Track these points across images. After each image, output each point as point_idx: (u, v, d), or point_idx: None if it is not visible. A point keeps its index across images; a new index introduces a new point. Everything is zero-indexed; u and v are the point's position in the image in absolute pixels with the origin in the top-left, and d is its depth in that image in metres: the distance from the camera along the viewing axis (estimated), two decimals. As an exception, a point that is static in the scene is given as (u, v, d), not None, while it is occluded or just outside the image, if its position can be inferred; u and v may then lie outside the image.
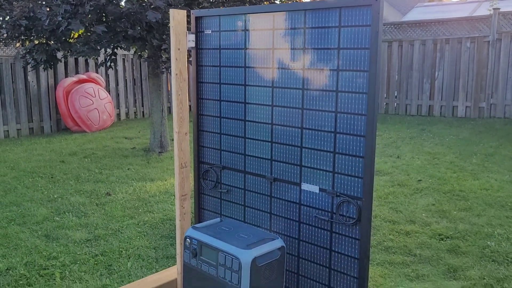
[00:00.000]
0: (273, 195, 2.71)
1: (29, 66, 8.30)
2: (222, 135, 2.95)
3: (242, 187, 2.87)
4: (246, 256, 2.13)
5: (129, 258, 3.88)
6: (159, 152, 7.66)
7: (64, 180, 6.11)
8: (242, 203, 2.88)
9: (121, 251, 4.00)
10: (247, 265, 2.12)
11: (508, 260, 3.74)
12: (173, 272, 3.25)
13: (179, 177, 3.04)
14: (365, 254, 2.34)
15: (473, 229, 4.33)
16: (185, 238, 2.37)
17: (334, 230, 2.46)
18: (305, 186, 2.55)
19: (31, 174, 6.34)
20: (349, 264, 2.41)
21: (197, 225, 2.43)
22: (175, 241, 4.23)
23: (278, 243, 2.28)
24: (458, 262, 3.73)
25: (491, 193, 5.29)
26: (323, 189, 2.48)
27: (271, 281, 2.24)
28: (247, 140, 2.81)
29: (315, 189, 2.51)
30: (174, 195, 5.56)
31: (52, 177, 6.21)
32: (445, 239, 4.17)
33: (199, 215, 3.17)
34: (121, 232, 4.42)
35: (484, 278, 3.47)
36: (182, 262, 3.15)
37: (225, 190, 2.96)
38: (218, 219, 2.54)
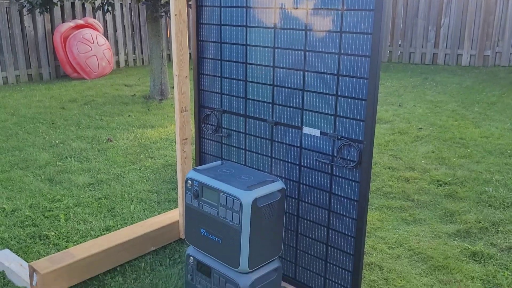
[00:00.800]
0: (274, 139, 2.71)
1: (24, 10, 8.09)
2: (222, 79, 2.91)
3: (243, 131, 2.86)
4: (247, 197, 2.15)
5: (132, 201, 3.95)
6: (160, 100, 7.61)
7: (65, 126, 6.11)
8: (243, 147, 2.89)
9: (124, 195, 4.06)
10: (248, 206, 2.15)
11: (504, 205, 3.80)
12: (175, 215, 3.31)
13: (179, 121, 3.03)
14: (364, 196, 2.37)
15: (471, 176, 4.38)
16: (187, 180, 2.40)
17: (334, 173, 2.48)
18: (306, 130, 2.55)
19: (31, 120, 6.34)
20: (348, 206, 2.45)
21: (199, 168, 2.45)
22: (177, 185, 4.29)
23: (278, 185, 2.30)
24: (455, 207, 3.79)
25: (491, 141, 5.31)
26: (324, 132, 2.47)
27: (271, 222, 2.28)
28: (248, 83, 2.77)
29: (316, 132, 2.51)
30: (175, 142, 5.58)
31: (53, 123, 6.21)
32: (443, 185, 4.22)
33: (200, 159, 3.19)
34: (123, 177, 4.47)
35: (480, 222, 3.54)
36: (184, 203, 3.20)
37: (226, 134, 2.96)
38: (219, 162, 2.55)
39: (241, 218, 2.17)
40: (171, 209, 3.80)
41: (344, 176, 2.44)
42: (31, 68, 9.22)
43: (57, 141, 5.48)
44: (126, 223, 3.56)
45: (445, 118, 6.27)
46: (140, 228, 3.10)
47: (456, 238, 3.35)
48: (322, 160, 2.49)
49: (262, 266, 2.33)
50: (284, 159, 2.69)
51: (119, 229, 3.45)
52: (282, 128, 2.66)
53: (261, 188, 2.23)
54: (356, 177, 2.40)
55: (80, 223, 3.56)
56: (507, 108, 6.73)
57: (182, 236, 3.26)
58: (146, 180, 4.42)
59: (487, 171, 4.48)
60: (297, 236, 2.72)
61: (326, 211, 2.56)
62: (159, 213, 3.73)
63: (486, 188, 4.08)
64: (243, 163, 2.90)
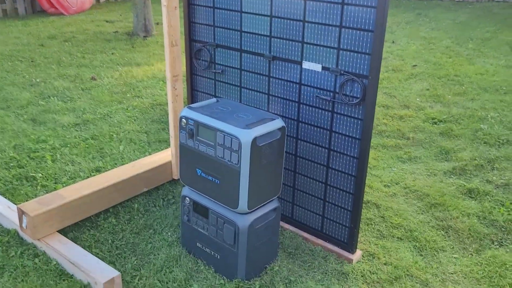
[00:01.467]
0: (271, 75, 2.56)
1: None
2: (215, 9, 2.70)
3: (238, 67, 2.70)
4: (246, 136, 2.04)
5: (121, 142, 3.82)
6: (144, 36, 7.27)
7: (45, 64, 5.82)
8: (238, 84, 2.74)
9: (112, 135, 3.92)
10: (247, 145, 2.04)
11: (499, 142, 3.78)
12: (167, 155, 3.21)
13: (169, 57, 2.85)
14: (367, 134, 2.28)
15: (466, 113, 4.32)
16: (181, 118, 2.27)
17: (335, 110, 2.37)
18: (306, 65, 2.40)
19: (9, 58, 6.01)
20: (349, 145, 2.36)
21: (193, 105, 2.31)
22: (167, 125, 4.15)
23: (278, 123, 2.19)
24: (451, 145, 3.76)
25: (486, 78, 5.22)
26: (326, 67, 2.33)
27: (271, 161, 2.19)
28: (243, 14, 2.57)
29: (317, 67, 2.36)
30: (162, 80, 5.37)
31: (32, 61, 5.91)
32: (438, 122, 4.17)
33: (192, 97, 3.04)
34: (110, 117, 4.31)
35: (475, 159, 3.52)
36: (178, 143, 3.09)
37: (220, 71, 2.79)
38: (214, 99, 2.41)
39: (240, 157, 2.07)
40: (162, 150, 3.69)
41: (346, 113, 2.33)
42: (5, 2, 8.67)
43: (37, 80, 5.23)
44: (116, 164, 3.45)
45: (439, 55, 6.13)
46: (132, 169, 2.99)
47: (452, 176, 3.33)
48: (323, 97, 2.37)
49: (261, 206, 2.27)
50: (282, 96, 2.56)
51: (109, 170, 3.35)
52: (281, 63, 2.50)
53: (260, 126, 2.11)
54: (359, 114, 2.29)
55: (68, 164, 3.44)
56: (501, 45, 6.60)
57: (175, 176, 3.17)
58: (135, 120, 4.27)
59: (482, 108, 4.42)
60: (295, 176, 2.65)
61: (326, 150, 2.47)
62: (150, 154, 3.62)
63: (481, 126, 4.04)
64: (238, 101, 2.77)
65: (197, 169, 2.29)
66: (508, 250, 2.58)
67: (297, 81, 2.47)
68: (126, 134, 3.96)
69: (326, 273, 2.40)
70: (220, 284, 2.30)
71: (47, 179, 3.22)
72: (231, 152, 2.09)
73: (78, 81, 5.23)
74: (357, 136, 2.33)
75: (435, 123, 4.16)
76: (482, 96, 4.70)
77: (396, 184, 3.24)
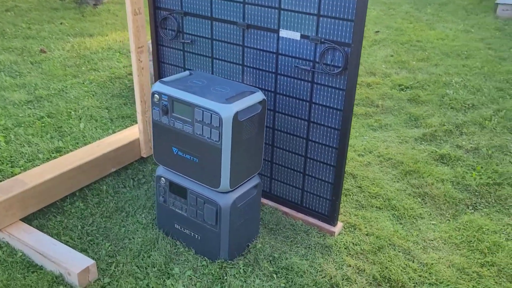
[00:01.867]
0: (246, 44, 2.42)
1: None
2: (182, -26, 2.50)
3: (209, 36, 2.53)
4: (227, 111, 1.91)
5: (80, 119, 3.58)
6: (94, 4, 6.83)
7: (-13, 36, 5.35)
8: (209, 55, 2.58)
9: (70, 112, 3.67)
10: (229, 120, 1.92)
11: (465, 106, 3.83)
12: (134, 132, 3.03)
13: (133, 26, 2.64)
14: (349, 105, 2.20)
15: (431, 79, 4.35)
16: (153, 93, 2.10)
17: (315, 80, 2.27)
18: (284, 33, 2.27)
19: None
20: (331, 116, 2.29)
21: (165, 79, 2.15)
22: (129, 100, 3.93)
23: (259, 96, 2.07)
24: (419, 111, 3.78)
25: (447, 43, 5.28)
26: (305, 35, 2.21)
27: (252, 136, 2.08)
28: (213, -21, 2.39)
29: (295, 36, 2.24)
30: (119, 52, 5.08)
31: (-29, 33, 5.41)
32: (405, 89, 4.18)
33: (159, 70, 2.85)
34: (66, 92, 4.03)
35: (444, 125, 3.56)
36: (145, 119, 2.92)
37: (189, 41, 2.62)
38: (187, 72, 2.25)
39: (221, 134, 1.94)
40: (126, 126, 3.49)
41: (327, 83, 2.24)
42: None
43: (-20, 54, 4.80)
44: (77, 144, 3.23)
45: (400, 20, 6.13)
46: (97, 149, 2.80)
47: (423, 142, 3.35)
48: (303, 67, 2.26)
49: (242, 184, 2.17)
50: (258, 67, 2.43)
51: (71, 150, 3.13)
52: (256, 32, 2.36)
53: (241, 100, 1.99)
54: (340, 84, 2.21)
55: (24, 145, 3.18)
56: (458, 9, 6.69)
57: (144, 154, 3.01)
58: (93, 95, 4.01)
59: (446, 73, 4.47)
60: (273, 150, 2.56)
61: (306, 122, 2.39)
62: (113, 131, 3.41)
63: (447, 91, 4.08)
64: (210, 74, 2.61)
65: (173, 148, 2.15)
66: (482, 214, 2.63)
67: (274, 51, 2.34)
68: (85, 111, 3.71)
69: (309, 247, 2.35)
70: (203, 266, 2.21)
71: (2, 163, 2.97)
72: (210, 129, 1.96)
73: (26, 54, 4.85)
74: (339, 107, 2.25)
75: (402, 89, 4.17)
76: (445, 61, 4.75)
77: (370, 152, 3.23)
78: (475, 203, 2.71)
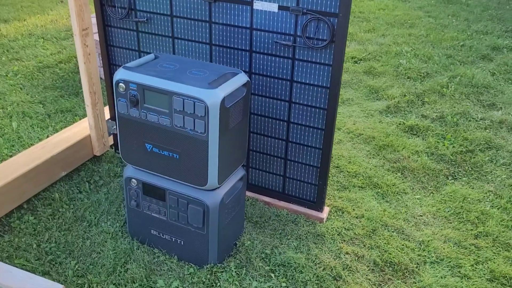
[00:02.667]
0: (213, 20, 2.14)
1: None
2: None
3: (168, 12, 2.22)
4: (213, 97, 1.65)
5: (11, 117, 3.10)
6: (3, -15, 6.04)
7: None
8: (169, 35, 2.27)
9: (-3, 111, 3.17)
10: (216, 108, 1.66)
11: (421, 75, 3.83)
12: (83, 128, 2.65)
13: (75, 5, 2.25)
14: (336, 81, 2.02)
15: (382, 50, 4.31)
16: (117, 82, 1.77)
17: (297, 57, 2.06)
18: (258, 5, 2.02)
19: None
20: (315, 95, 2.09)
21: (129, 65, 1.82)
22: (65, 91, 3.48)
23: (242, 78, 1.82)
24: (378, 83, 3.71)
25: (388, 13, 5.28)
26: (284, 6, 1.98)
27: (238, 124, 1.84)
28: None
29: (272, 7, 2.00)
30: (43, 38, 4.51)
31: None
32: (359, 61, 4.10)
33: (107, 55, 2.49)
34: (-12, 88, 3.49)
35: (405, 95, 3.52)
36: (96, 113, 2.56)
37: (144, 19, 2.28)
38: (152, 56, 1.94)
39: (207, 125, 1.68)
40: (67, 122, 3.08)
41: (310, 59, 2.04)
42: None
43: None
44: (14, 147, 2.78)
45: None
46: (43, 151, 2.40)
47: (388, 115, 3.28)
48: (284, 42, 2.04)
49: (228, 177, 1.93)
50: (228, 45, 2.17)
51: (7, 156, 2.69)
52: (225, 5, 2.09)
53: (225, 84, 1.73)
54: (326, 59, 2.01)
55: None
56: (390, -21, 6.74)
57: (97, 152, 2.64)
58: (21, 89, 3.50)
59: (395, 43, 4.45)
60: (250, 136, 2.33)
61: (287, 103, 2.18)
62: (54, 128, 2.99)
63: (400, 61, 4.06)
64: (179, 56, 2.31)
65: (146, 144, 1.85)
66: (463, 183, 2.60)
67: (248, 26, 2.09)
68: (15, 107, 3.23)
69: (300, 238, 2.18)
70: (190, 274, 1.96)
71: None
72: (194, 119, 1.69)
73: None
74: (325, 84, 2.06)
75: (356, 62, 4.08)
76: (391, 31, 4.74)
77: (339, 129, 3.10)
78: (453, 173, 2.68)
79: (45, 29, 4.76)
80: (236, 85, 1.77)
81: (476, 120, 3.18)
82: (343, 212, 2.36)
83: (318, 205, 2.32)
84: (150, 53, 2.36)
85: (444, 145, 2.91)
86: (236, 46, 2.15)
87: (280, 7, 1.99)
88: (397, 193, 2.52)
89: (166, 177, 1.89)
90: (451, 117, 3.20)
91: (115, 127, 2.68)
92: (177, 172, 1.84)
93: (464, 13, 5.29)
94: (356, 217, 2.33)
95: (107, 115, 2.68)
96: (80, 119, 3.09)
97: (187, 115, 1.70)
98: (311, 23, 1.97)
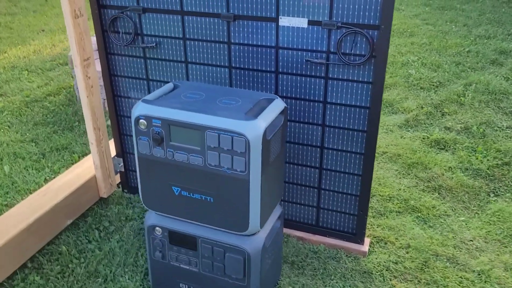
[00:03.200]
0: (232, 40, 1.92)
1: None
2: (134, -41, 1.92)
3: (180, 36, 1.99)
4: (254, 130, 1.42)
5: (2, 160, 2.81)
6: (-21, 18, 5.76)
7: None
8: (183, 59, 2.04)
9: (-14, 154, 2.87)
10: (258, 141, 1.42)
11: (434, 85, 3.66)
12: (87, 168, 2.38)
13: (75, 33, 2.01)
14: (377, 100, 1.81)
15: (388, 60, 4.14)
16: (137, 119, 1.53)
17: (330, 75, 1.84)
18: (285, 21, 1.81)
19: None
20: (352, 116, 1.87)
21: (148, 98, 1.58)
22: (58, 126, 3.20)
23: (279, 104, 1.60)
24: (391, 96, 3.53)
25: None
26: (314, 21, 1.77)
27: (277, 156, 1.61)
28: (181, -39, 1.86)
29: (301, 23, 1.79)
30: (26, 70, 4.23)
31: None
32: (366, 74, 3.91)
33: (111, 86, 2.23)
34: (-28, 128, 3.19)
35: (422, 107, 3.33)
36: (101, 150, 2.31)
37: (153, 44, 2.04)
38: (171, 85, 1.70)
39: (248, 162, 1.44)
40: (66, 161, 2.80)
41: (346, 77, 1.83)
42: None
43: None
44: (8, 194, 2.49)
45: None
46: (44, 199, 2.12)
47: (409, 129, 3.09)
48: (316, 60, 1.82)
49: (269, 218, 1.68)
50: (251, 67, 1.94)
51: (2, 205, 2.40)
52: (246, 23, 1.87)
53: (264, 113, 1.50)
54: (365, 76, 1.80)
55: None
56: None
57: (104, 194, 2.37)
58: (9, 127, 3.21)
59: (399, 53, 4.30)
60: (279, 165, 2.09)
61: (319, 127, 1.96)
62: (52, 170, 2.70)
63: (409, 71, 3.89)
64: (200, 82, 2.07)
65: (173, 187, 1.60)
66: (507, 199, 2.40)
67: (273, 45, 1.87)
68: (5, 148, 2.93)
69: (346, 278, 1.94)
70: (230, 332, 1.69)
71: None
72: (232, 157, 1.45)
73: None
74: (363, 104, 1.85)
75: (363, 75, 3.90)
76: (392, 41, 4.59)
77: (360, 149, 2.88)
78: (494, 189, 2.48)
79: (29, 60, 4.48)
80: (274, 113, 1.55)
81: (502, 129, 3.01)
82: (385, 243, 2.13)
83: (358, 237, 2.09)
84: (160, 81, 2.12)
85: (477, 158, 2.72)
86: (260, 68, 1.93)
87: (310, 22, 1.78)
88: (439, 216, 2.30)
89: (197, 223, 1.64)
90: (477, 127, 3.02)
91: (121, 164, 2.42)
92: (211, 217, 1.59)
93: (462, 18, 5.19)
94: (402, 248, 2.10)
95: (112, 151, 2.42)
96: (78, 156, 2.82)
97: (224, 152, 1.46)
98: (347, 38, 1.76)
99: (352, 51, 1.77)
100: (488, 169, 2.62)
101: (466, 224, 2.25)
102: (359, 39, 1.74)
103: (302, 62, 1.86)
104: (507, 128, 3.02)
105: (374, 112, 1.83)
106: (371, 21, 1.70)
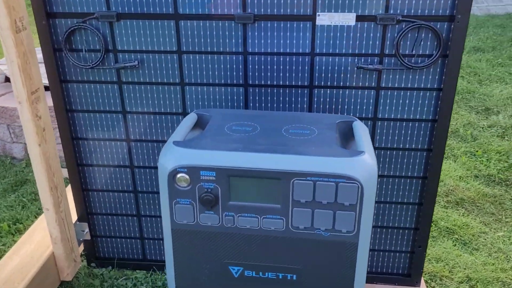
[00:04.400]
0: (250, 49, 1.44)
1: None
2: None
3: (174, 49, 1.46)
4: (367, 169, 0.95)
5: None
6: None
7: None
8: (177, 81, 1.50)
9: None
10: (372, 186, 0.97)
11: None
12: (38, 244, 1.70)
13: (17, 53, 1.38)
14: (446, 112, 1.46)
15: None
16: (175, 173, 0.97)
17: (383, 84, 1.45)
18: (324, 18, 1.38)
19: None
20: (412, 132, 1.50)
21: (178, 139, 1.04)
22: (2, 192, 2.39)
23: (363, 127, 1.14)
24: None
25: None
26: (365, 16, 1.37)
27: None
28: None
29: (347, 19, 1.38)
30: None
31: None
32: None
33: (68, 125, 1.60)
34: None
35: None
36: (61, 219, 1.67)
37: (134, 63, 1.47)
38: (194, 116, 1.16)
39: (360, 216, 0.98)
40: (9, 237, 2.04)
41: (404, 85, 1.45)
42: None
43: None
44: None
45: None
46: (-14, 303, 1.42)
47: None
48: (371, 67, 1.41)
49: None
50: (275, 83, 1.48)
51: None
52: (269, 26, 1.40)
53: (361, 143, 1.05)
54: (428, 82, 1.44)
55: None
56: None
57: (67, 277, 1.70)
58: None
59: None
60: (314, 205, 1.64)
61: (368, 151, 1.55)
62: (-26, 249, 1.94)
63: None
64: (183, 108, 1.53)
65: (230, 267, 1.07)
66: (533, 205, 2.21)
67: (307, 51, 1.43)
68: None
69: (419, 335, 1.54)
70: None
71: None
72: (334, 213, 0.98)
73: None
74: (425, 117, 1.49)
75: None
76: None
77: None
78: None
79: None
80: (368, 141, 1.10)
81: (485, 129, 2.88)
82: (441, 279, 1.78)
83: (414, 277, 1.71)
84: (141, 113, 1.55)
85: (482, 163, 2.52)
86: (288, 83, 1.47)
87: (359, 17, 1.37)
88: (477, 236, 2.02)
89: (267, 313, 1.12)
90: (463, 130, 2.85)
91: (86, 231, 1.77)
92: (292, 303, 1.09)
93: None
94: (462, 282, 1.76)
95: (73, 215, 1.76)
96: (8, 226, 2.08)
97: (321, 206, 0.98)
98: (407, 34, 1.38)
99: (414, 51, 1.40)
100: (498, 173, 2.43)
101: (508, 239, 1.99)
102: (423, 35, 1.38)
103: (346, 71, 1.44)
104: (489, 127, 2.90)
105: (442, 127, 1.48)
106: (444, 12, 1.34)
